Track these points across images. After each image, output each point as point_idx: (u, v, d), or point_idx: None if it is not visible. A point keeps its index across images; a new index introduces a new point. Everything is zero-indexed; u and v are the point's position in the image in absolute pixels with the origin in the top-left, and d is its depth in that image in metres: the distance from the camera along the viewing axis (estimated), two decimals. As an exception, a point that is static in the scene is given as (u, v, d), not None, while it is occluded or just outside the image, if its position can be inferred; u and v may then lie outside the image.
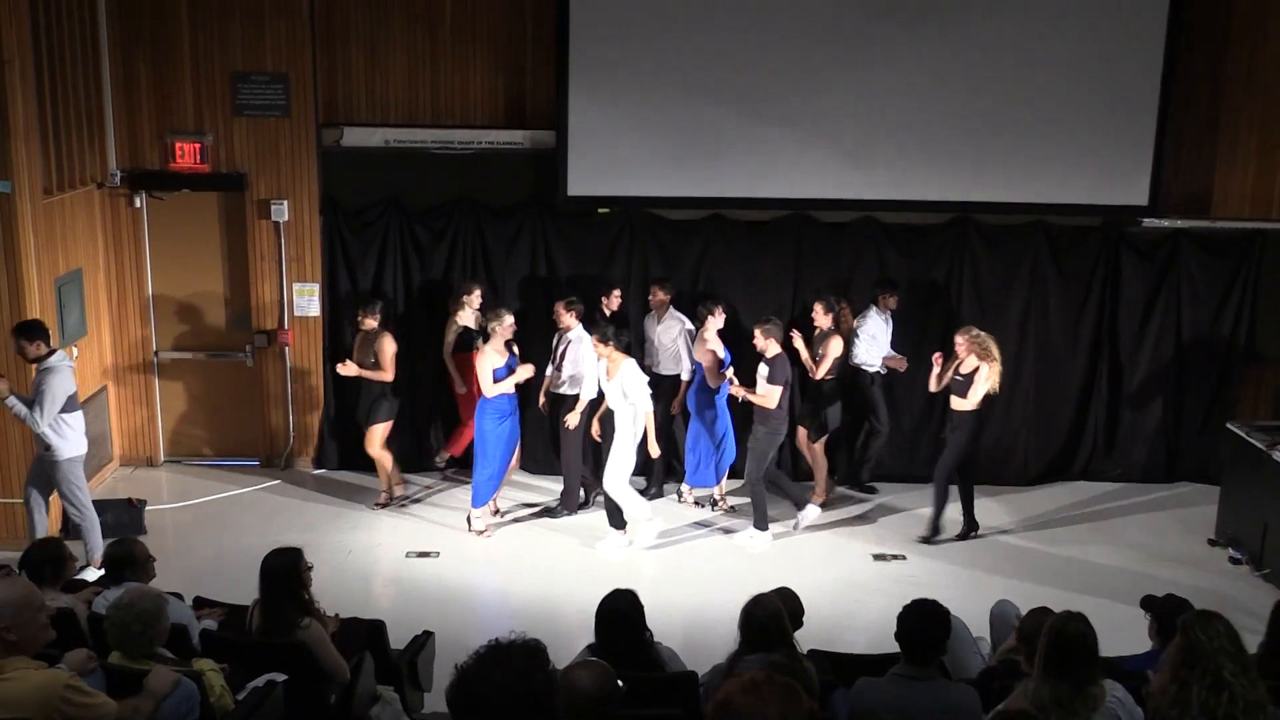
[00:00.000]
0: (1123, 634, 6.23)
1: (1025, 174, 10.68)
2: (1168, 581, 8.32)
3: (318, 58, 10.51)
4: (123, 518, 9.65)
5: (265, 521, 9.95)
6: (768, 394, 9.49)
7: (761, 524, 9.71)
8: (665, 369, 10.30)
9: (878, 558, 9.56)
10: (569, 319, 9.90)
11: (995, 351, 9.44)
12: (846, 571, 9.31)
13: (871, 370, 10.56)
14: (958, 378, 9.51)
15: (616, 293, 10.46)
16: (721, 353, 9.98)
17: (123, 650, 5.00)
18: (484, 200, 10.81)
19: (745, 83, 10.48)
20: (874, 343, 10.49)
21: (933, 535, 9.81)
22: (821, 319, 10.09)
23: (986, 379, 9.39)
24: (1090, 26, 10.40)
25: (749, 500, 9.85)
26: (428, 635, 6.96)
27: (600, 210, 10.85)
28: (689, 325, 10.22)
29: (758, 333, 9.55)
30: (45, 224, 9.39)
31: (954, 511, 9.85)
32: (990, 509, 10.52)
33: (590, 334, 9.53)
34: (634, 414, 9.32)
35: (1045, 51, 10.45)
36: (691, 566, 9.40)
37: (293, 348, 10.95)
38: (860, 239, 10.86)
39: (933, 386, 9.86)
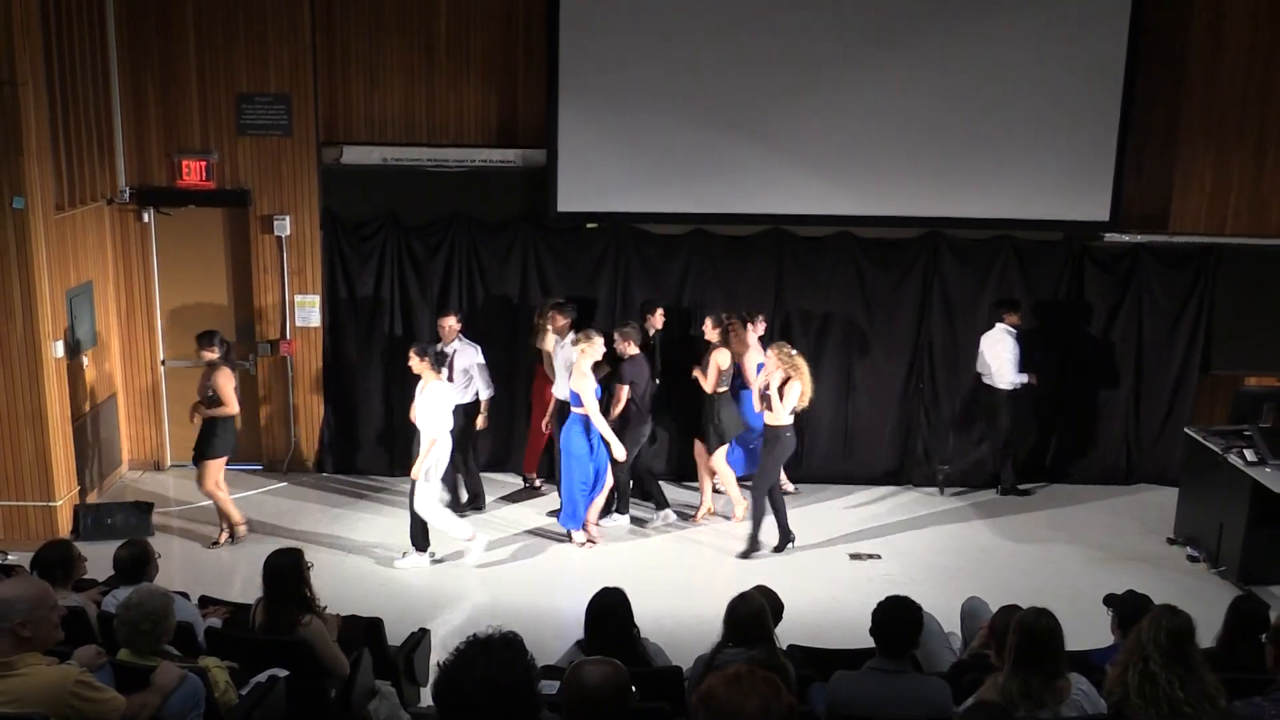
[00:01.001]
0: (1087, 629, 6.25)
1: (993, 191, 10.72)
2: (1129, 579, 8.34)
3: (319, 79, 10.51)
4: (131, 520, 9.62)
5: (267, 524, 9.91)
6: (618, 394, 9.43)
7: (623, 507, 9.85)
8: (561, 391, 9.77)
9: (854, 557, 9.57)
10: (449, 342, 9.78)
11: (803, 366, 9.29)
12: (824, 571, 9.30)
13: (1004, 389, 10.42)
14: (767, 393, 9.31)
15: (660, 311, 10.32)
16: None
17: (131, 647, 4.97)
18: (477, 216, 10.80)
19: (728, 104, 10.50)
20: (1004, 362, 10.36)
21: (751, 550, 9.49)
22: (710, 333, 9.86)
23: (794, 394, 9.21)
24: (1054, 51, 10.45)
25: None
26: (423, 632, 6.95)
27: (589, 226, 10.85)
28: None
29: (616, 336, 9.45)
30: (57, 238, 9.35)
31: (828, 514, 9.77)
32: (961, 511, 10.57)
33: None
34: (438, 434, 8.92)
35: (1012, 74, 10.50)
36: (676, 566, 9.39)
37: (294, 357, 10.93)
38: (837, 253, 10.89)
39: (755, 406, 9.65)
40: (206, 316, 10.94)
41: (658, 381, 10.15)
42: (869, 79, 10.46)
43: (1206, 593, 8.67)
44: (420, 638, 6.86)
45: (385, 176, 10.72)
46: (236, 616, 6.39)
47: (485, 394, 10.02)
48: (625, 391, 9.48)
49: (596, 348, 9.20)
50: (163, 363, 11.02)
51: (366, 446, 11.09)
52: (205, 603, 6.76)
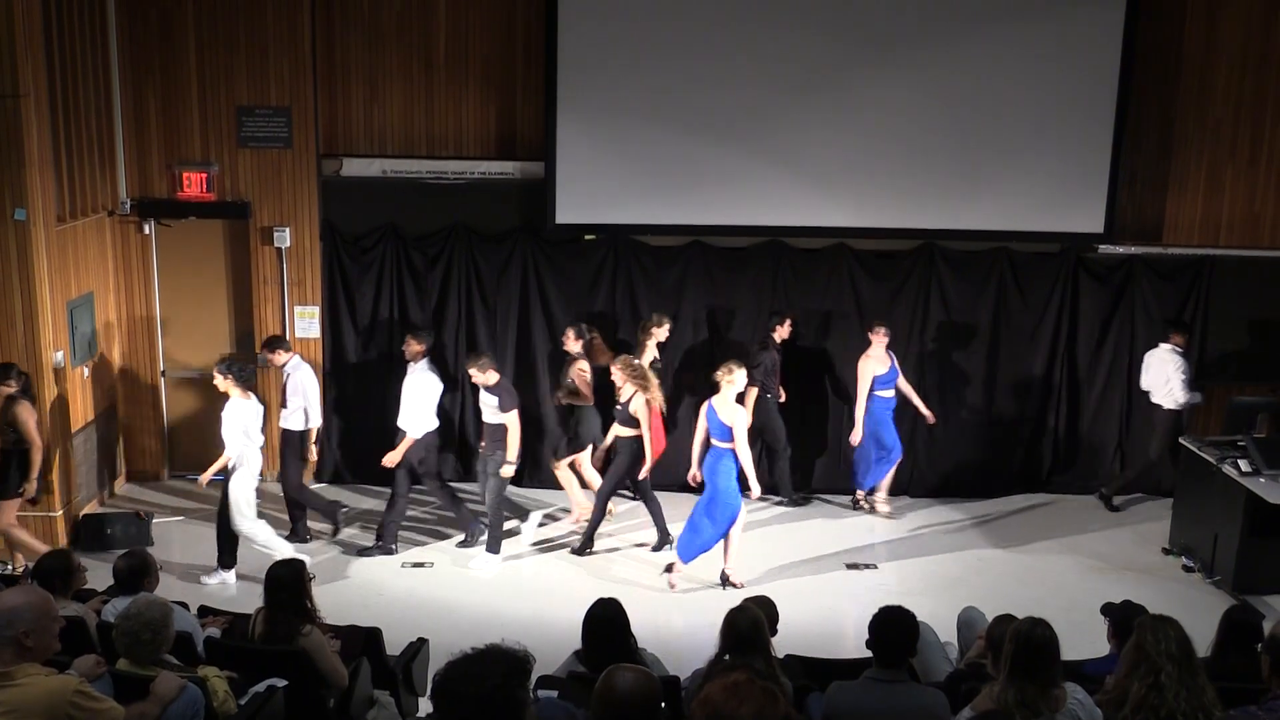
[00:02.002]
0: (1083, 639, 6.25)
1: (988, 203, 10.75)
2: (1124, 589, 8.32)
3: (319, 92, 10.53)
4: (130, 530, 9.61)
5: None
6: (507, 421, 9.04)
7: (494, 548, 9.33)
8: (404, 423, 9.46)
9: (850, 567, 9.56)
10: (278, 357, 9.46)
11: (652, 378, 9.28)
12: (821, 580, 9.30)
13: (1170, 407, 10.39)
14: (619, 406, 9.28)
15: (788, 321, 10.34)
16: (883, 369, 10.04)
17: (131, 657, 4.96)
18: (476, 228, 10.81)
19: (724, 116, 10.53)
20: (1175, 383, 10.29)
21: (585, 548, 9.57)
22: (571, 344, 9.85)
23: (644, 405, 9.18)
24: (1049, 64, 10.49)
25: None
26: (422, 642, 6.94)
27: (587, 237, 10.87)
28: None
29: (475, 371, 9.10)
30: (58, 249, 9.35)
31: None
32: (957, 521, 10.56)
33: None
34: (251, 450, 8.74)
35: (1007, 87, 10.54)
36: (678, 576, 9.35)
37: (294, 367, 10.91)
38: (833, 264, 10.90)
39: (606, 439, 9.76)
40: (207, 327, 10.96)
41: (780, 397, 10.35)
42: (865, 92, 10.50)
43: (1201, 602, 8.67)
44: (419, 647, 6.85)
45: (385, 188, 10.73)
46: (236, 626, 6.38)
47: (315, 422, 9.60)
48: (514, 419, 9.11)
49: (739, 380, 8.69)
50: (163, 374, 11.01)
51: (365, 456, 11.05)
52: (204, 612, 6.75)
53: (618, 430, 9.50)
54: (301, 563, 6.02)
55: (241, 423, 8.72)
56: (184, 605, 6.38)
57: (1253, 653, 5.43)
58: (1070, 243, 10.93)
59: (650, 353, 10.11)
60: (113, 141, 10.35)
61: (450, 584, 9.14)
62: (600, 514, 9.64)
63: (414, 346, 9.51)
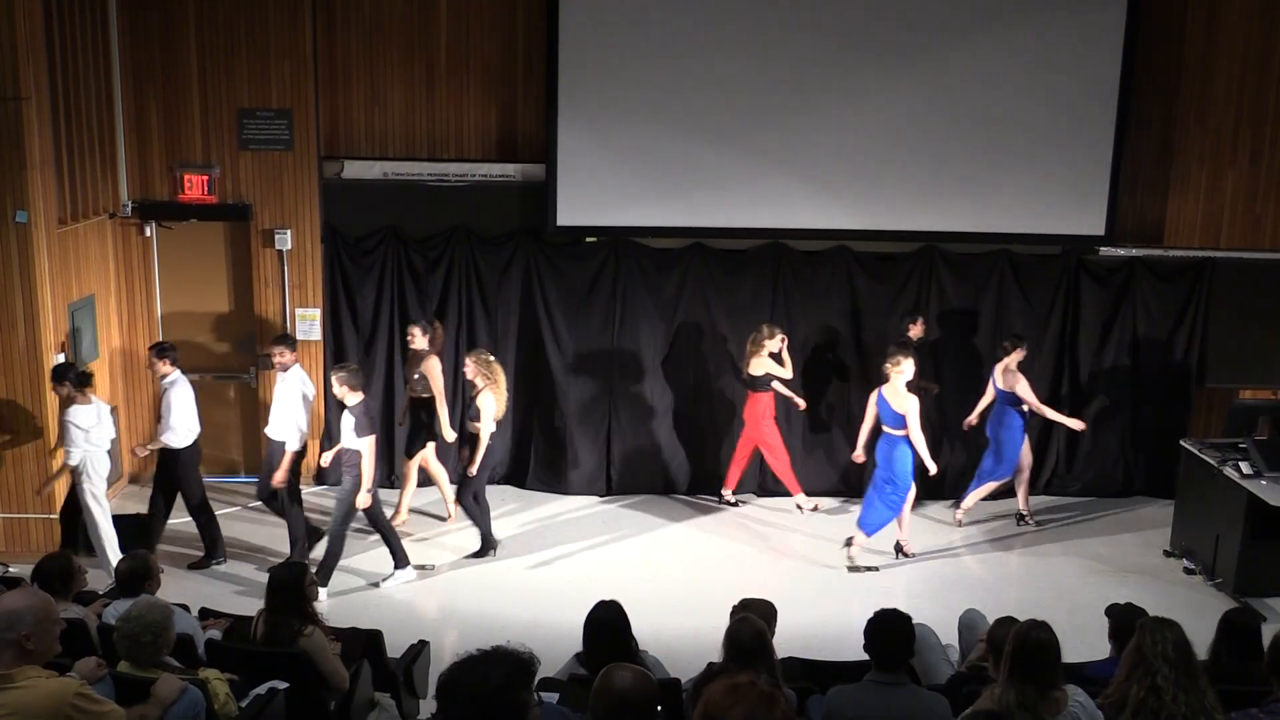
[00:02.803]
0: (1084, 641, 6.26)
1: (989, 205, 10.75)
2: (1126, 591, 8.33)
3: (320, 94, 10.53)
4: (131, 532, 9.58)
5: (267, 536, 9.89)
6: (361, 447, 8.62)
7: (324, 579, 8.70)
8: (275, 432, 9.22)
9: (852, 570, 9.56)
10: (163, 366, 9.04)
11: (499, 375, 9.28)
12: (822, 582, 9.30)
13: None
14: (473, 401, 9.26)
15: (920, 321, 10.34)
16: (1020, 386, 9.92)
17: (132, 660, 4.97)
18: (477, 230, 10.81)
19: (725, 118, 10.53)
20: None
21: (486, 550, 9.55)
22: (419, 341, 9.77)
23: (490, 403, 9.16)
24: (1050, 66, 10.49)
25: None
26: (423, 644, 6.94)
27: (587, 240, 10.87)
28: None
29: (335, 382, 8.72)
30: (60, 252, 9.36)
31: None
32: (957, 522, 10.55)
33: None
34: (95, 454, 8.56)
35: (1008, 89, 10.54)
36: (674, 578, 9.38)
37: (295, 370, 10.92)
38: (834, 266, 10.91)
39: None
40: (208, 329, 10.96)
41: (935, 390, 10.44)
42: (866, 94, 10.50)
43: (1203, 605, 8.67)
44: (420, 650, 6.85)
45: (386, 191, 10.74)
46: (236, 628, 6.38)
47: (183, 442, 9.08)
48: (369, 444, 8.66)
49: (908, 368, 9.18)
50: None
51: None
52: (205, 615, 6.75)
53: (471, 425, 9.33)
54: (304, 566, 6.04)
55: (79, 427, 8.49)
56: (185, 607, 6.38)
57: (1251, 655, 5.43)
58: (1071, 245, 10.93)
59: (765, 365, 10.11)
60: (114, 144, 10.36)
61: (451, 587, 9.14)
62: (475, 512, 9.48)
63: (286, 356, 9.24)
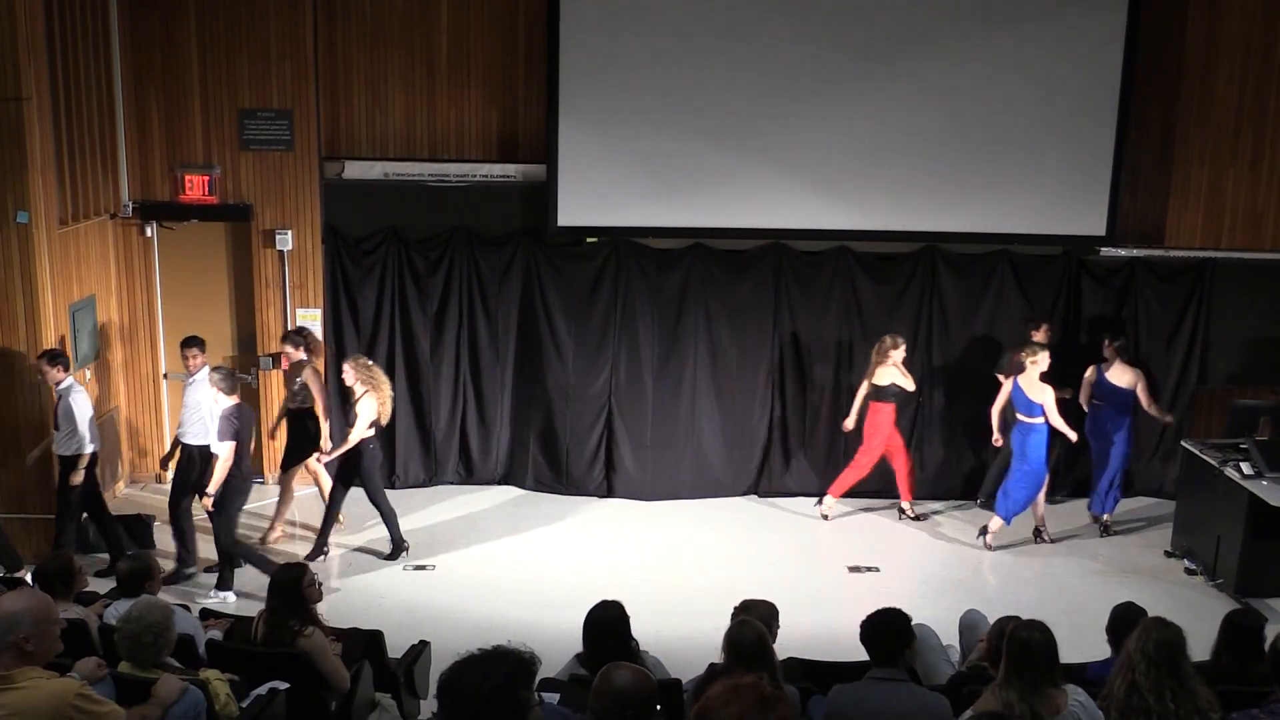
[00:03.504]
0: (1085, 641, 6.25)
1: (990, 205, 10.75)
2: (1127, 592, 8.32)
3: (321, 95, 10.54)
4: (132, 533, 9.59)
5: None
6: (220, 451, 8.48)
7: (226, 584, 8.72)
8: (193, 437, 9.03)
9: (852, 570, 9.56)
10: (56, 373, 8.63)
11: (382, 379, 9.21)
12: (823, 583, 9.30)
13: None
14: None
15: (1044, 327, 10.37)
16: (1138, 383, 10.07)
17: (133, 660, 4.97)
18: (478, 230, 10.82)
19: (726, 118, 10.53)
20: None
21: (395, 553, 9.46)
22: (296, 355, 9.55)
23: (371, 407, 9.09)
24: (1051, 66, 10.49)
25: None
26: (424, 644, 6.94)
27: (588, 240, 10.87)
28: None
29: (212, 380, 8.56)
30: (60, 252, 9.37)
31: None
32: (959, 524, 10.55)
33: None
34: None
35: (1009, 90, 10.54)
36: (677, 579, 9.38)
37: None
38: (834, 267, 10.90)
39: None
40: (209, 330, 10.94)
41: (1068, 396, 10.29)
42: (868, 95, 10.50)
43: (1204, 605, 8.67)
44: (420, 650, 6.85)
45: (386, 191, 10.74)
46: (237, 629, 6.38)
47: (90, 447, 8.75)
48: (228, 450, 8.49)
49: (1043, 360, 9.58)
50: (165, 376, 11.02)
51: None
52: (206, 615, 6.76)
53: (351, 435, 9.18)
54: (305, 567, 6.04)
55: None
56: (185, 608, 6.39)
57: (1253, 656, 5.42)
58: (1072, 245, 10.92)
59: (890, 375, 10.08)
60: (115, 144, 10.36)
61: (452, 587, 9.14)
62: (332, 518, 9.41)
63: (198, 359, 9.10)
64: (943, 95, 10.53)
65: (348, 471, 9.39)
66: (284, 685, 5.42)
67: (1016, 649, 4.68)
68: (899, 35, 10.46)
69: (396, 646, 6.86)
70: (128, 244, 10.71)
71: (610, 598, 5.65)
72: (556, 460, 11.07)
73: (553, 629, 8.10)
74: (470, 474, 11.17)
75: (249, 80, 10.39)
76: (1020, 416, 9.71)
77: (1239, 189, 10.94)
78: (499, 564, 9.54)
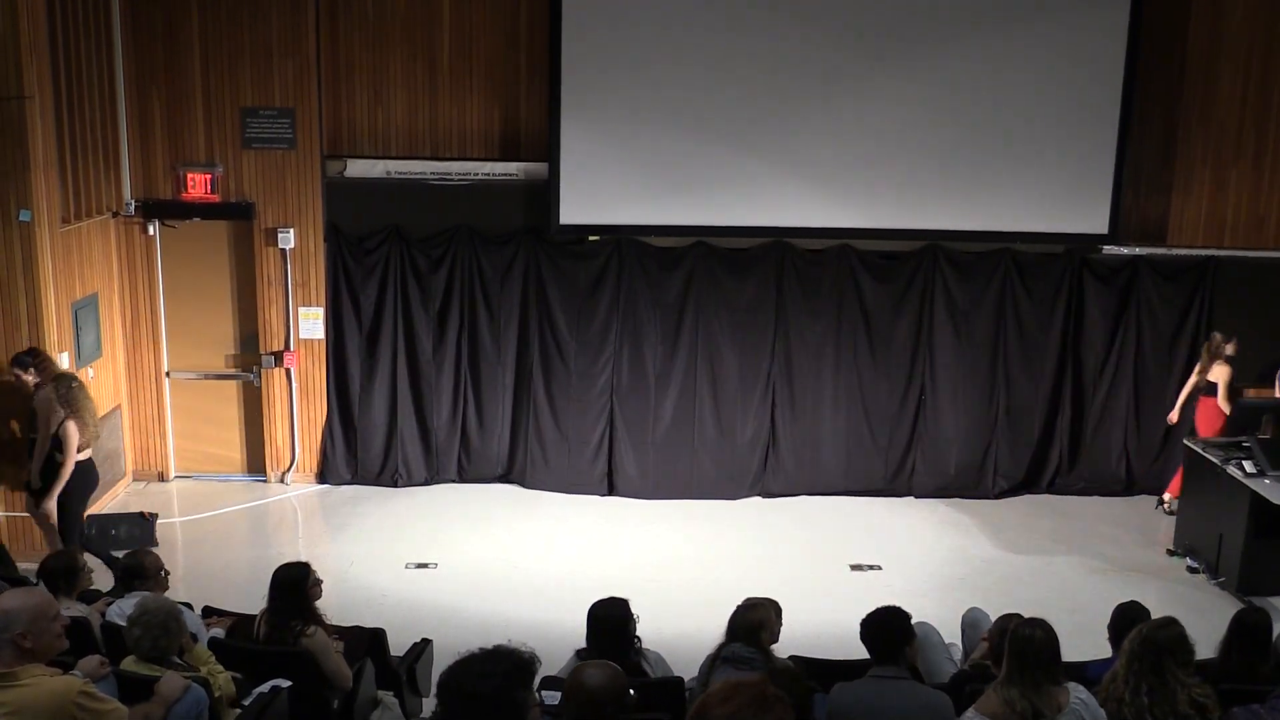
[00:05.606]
0: (1087, 640, 6.24)
1: (992, 204, 10.73)
2: (1129, 590, 8.31)
3: (323, 93, 10.54)
4: (135, 531, 9.62)
5: (271, 534, 9.93)
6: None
7: None
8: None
9: (855, 568, 9.56)
10: (29, 378, 8.49)
11: (83, 402, 8.53)
12: (825, 582, 9.29)
13: None
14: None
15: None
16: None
17: (149, 655, 5.00)
18: (480, 229, 10.82)
19: (729, 117, 10.52)
20: None
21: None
22: (30, 377, 8.58)
23: (71, 429, 8.48)
24: (1053, 65, 10.47)
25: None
26: (426, 643, 6.94)
27: (591, 238, 10.87)
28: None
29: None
30: (63, 251, 9.38)
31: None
32: (961, 522, 10.55)
33: None
34: None
35: (1011, 88, 10.52)
36: (679, 578, 9.37)
37: (298, 369, 10.94)
38: (837, 265, 10.90)
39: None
40: (211, 328, 10.97)
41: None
42: (870, 93, 10.49)
43: (1206, 604, 8.67)
44: (423, 648, 6.86)
45: (388, 190, 10.74)
46: (240, 627, 6.39)
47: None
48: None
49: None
50: (167, 374, 11.03)
51: (369, 458, 11.09)
52: (209, 613, 6.76)
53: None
54: (307, 566, 6.03)
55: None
56: (188, 606, 6.39)
57: (1259, 654, 5.42)
58: (1075, 244, 10.91)
59: (1221, 372, 10.12)
60: (117, 143, 10.37)
61: (454, 585, 9.14)
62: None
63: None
64: (945, 93, 10.51)
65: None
66: (286, 683, 5.42)
67: (1018, 647, 4.68)
68: (902, 33, 10.44)
69: (399, 645, 6.86)
70: (130, 242, 10.72)
71: (613, 595, 5.66)
72: (558, 459, 11.07)
73: (554, 628, 8.10)
74: (471, 472, 11.17)
75: (251, 78, 10.40)
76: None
77: (1242, 187, 10.92)
78: (500, 563, 9.53)
